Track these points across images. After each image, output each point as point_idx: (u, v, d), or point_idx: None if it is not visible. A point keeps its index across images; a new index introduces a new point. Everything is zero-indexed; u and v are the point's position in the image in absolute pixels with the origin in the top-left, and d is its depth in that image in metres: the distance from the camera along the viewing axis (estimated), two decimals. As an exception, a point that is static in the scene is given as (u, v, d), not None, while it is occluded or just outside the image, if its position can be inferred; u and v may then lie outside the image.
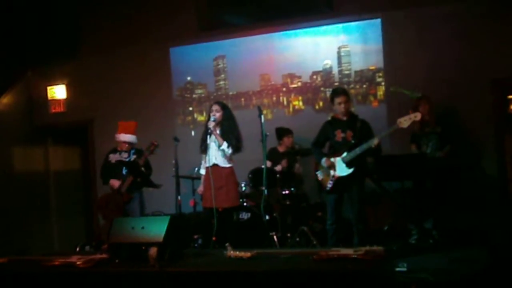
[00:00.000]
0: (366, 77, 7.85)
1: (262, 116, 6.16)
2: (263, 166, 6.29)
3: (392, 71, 7.68)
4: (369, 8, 7.75)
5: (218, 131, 6.02)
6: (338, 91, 5.94)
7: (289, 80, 8.27)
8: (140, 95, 8.86)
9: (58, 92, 9.48)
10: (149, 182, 6.86)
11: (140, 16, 8.89)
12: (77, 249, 7.60)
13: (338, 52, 7.99)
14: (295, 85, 8.24)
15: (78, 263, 4.08)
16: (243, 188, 7.00)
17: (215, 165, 6.04)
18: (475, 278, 4.77)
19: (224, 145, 5.95)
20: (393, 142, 7.07)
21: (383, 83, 7.76)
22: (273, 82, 8.35)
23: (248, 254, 3.98)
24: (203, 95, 8.74)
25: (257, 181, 6.93)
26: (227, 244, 4.23)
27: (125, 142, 6.92)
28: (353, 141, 5.69)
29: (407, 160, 6.43)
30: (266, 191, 6.28)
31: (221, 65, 8.61)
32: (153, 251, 3.92)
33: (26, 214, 8.84)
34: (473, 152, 7.19)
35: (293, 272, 3.60)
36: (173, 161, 6.53)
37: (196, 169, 6.64)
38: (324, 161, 5.85)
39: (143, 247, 4.02)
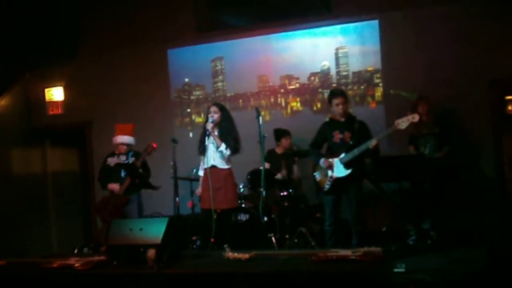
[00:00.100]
0: (364, 78, 7.86)
1: (260, 118, 6.16)
2: (261, 168, 6.29)
3: (390, 72, 7.69)
4: (367, 9, 7.76)
5: (216, 133, 6.02)
6: (336, 92, 5.94)
7: (287, 81, 8.27)
8: (138, 97, 8.85)
9: (55, 94, 9.46)
10: (147, 184, 6.86)
11: (138, 18, 8.89)
12: (75, 251, 7.60)
13: (336, 53, 8.00)
14: (293, 87, 8.24)
15: (76, 265, 4.07)
16: (241, 190, 7.00)
17: (213, 167, 6.03)
18: (473, 278, 4.77)
19: (222, 146, 5.94)
20: (391, 143, 7.07)
21: (381, 84, 7.77)
22: (271, 84, 8.36)
23: (247, 255, 3.98)
24: (201, 96, 8.74)
25: (255, 182, 6.92)
26: (225, 246, 4.22)
27: (123, 144, 6.91)
28: (351, 142, 5.69)
29: (405, 161, 6.45)
30: (264, 193, 6.28)
31: (219, 67, 8.61)
32: (151, 252, 3.92)
33: (24, 216, 8.82)
34: (471, 153, 7.20)
35: (292, 273, 3.59)
36: (171, 163, 6.53)
37: (194, 170, 6.64)
38: (322, 162, 5.85)
39: (141, 249, 4.01)
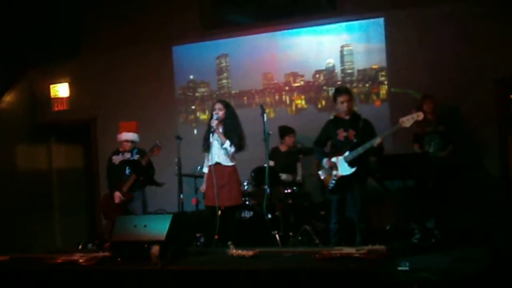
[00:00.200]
0: (368, 76, 7.85)
1: (265, 115, 6.15)
2: (265, 165, 6.30)
3: (394, 71, 7.68)
4: (372, 7, 7.75)
5: (220, 130, 6.03)
6: (341, 90, 5.93)
7: (291, 79, 8.27)
8: (143, 94, 8.87)
9: (61, 90, 9.49)
10: (152, 181, 6.87)
11: (143, 15, 8.90)
12: (80, 247, 7.62)
13: (341, 51, 7.99)
14: (297, 84, 8.24)
15: (80, 261, 4.08)
16: (246, 187, 7.00)
17: (217, 164, 6.04)
18: (477, 277, 4.76)
19: (227, 143, 5.95)
20: (395, 142, 7.06)
21: (385, 82, 7.76)
22: (275, 81, 8.35)
23: (250, 252, 3.98)
24: (205, 93, 8.75)
25: (259, 179, 6.91)
26: (229, 243, 4.22)
27: (127, 141, 6.92)
28: (355, 140, 5.68)
29: (409, 159, 6.43)
30: (268, 190, 6.27)
31: (224, 64, 8.62)
32: (155, 249, 3.92)
33: (29, 212, 8.85)
34: (476, 152, 7.19)
35: (295, 271, 3.59)
36: (176, 160, 6.55)
37: (199, 167, 6.64)
38: (325, 162, 5.85)
39: (146, 245, 4.01)
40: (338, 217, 5.80)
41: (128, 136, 6.92)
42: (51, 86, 9.52)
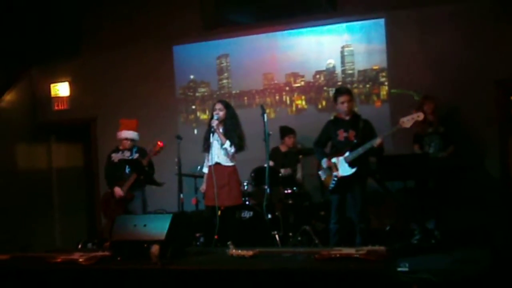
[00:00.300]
0: (369, 77, 7.85)
1: (265, 115, 6.15)
2: (265, 165, 6.29)
3: (395, 71, 7.67)
4: (372, 7, 7.74)
5: (221, 130, 6.03)
6: (342, 90, 5.93)
7: (292, 79, 8.26)
8: (143, 93, 8.87)
9: (61, 89, 9.49)
10: (152, 180, 6.87)
11: (144, 15, 8.89)
12: (79, 246, 7.61)
13: (342, 52, 7.99)
14: (298, 84, 8.24)
15: (80, 260, 4.08)
16: (246, 187, 7.00)
17: (217, 164, 6.04)
18: (477, 278, 4.76)
19: (227, 143, 5.95)
20: (396, 142, 7.06)
21: (386, 83, 7.75)
22: (276, 81, 8.35)
23: (250, 252, 3.98)
24: (206, 93, 8.74)
25: (259, 180, 6.91)
26: (229, 243, 4.22)
27: (126, 139, 6.92)
28: (355, 141, 5.68)
29: (409, 160, 6.43)
30: (268, 190, 6.27)
31: (225, 64, 8.62)
32: (155, 249, 3.92)
33: (29, 211, 8.84)
34: (476, 153, 7.19)
35: (295, 271, 3.59)
36: (176, 159, 6.54)
37: (199, 167, 6.64)
38: (324, 162, 5.85)
39: (145, 245, 4.01)
40: (338, 217, 5.80)
41: (128, 134, 6.92)
42: (52, 85, 9.52)
